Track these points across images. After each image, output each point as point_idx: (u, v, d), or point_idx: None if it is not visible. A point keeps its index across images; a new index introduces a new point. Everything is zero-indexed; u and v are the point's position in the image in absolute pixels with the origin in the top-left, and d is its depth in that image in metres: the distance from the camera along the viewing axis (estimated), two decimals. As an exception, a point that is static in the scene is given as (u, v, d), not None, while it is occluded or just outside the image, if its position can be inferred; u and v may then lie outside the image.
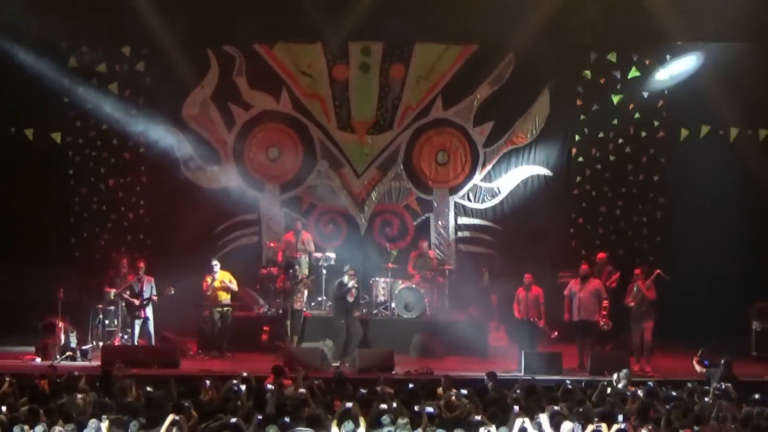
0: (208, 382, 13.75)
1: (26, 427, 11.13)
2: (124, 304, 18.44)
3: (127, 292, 18.33)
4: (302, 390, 13.26)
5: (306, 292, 19.12)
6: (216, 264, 19.12)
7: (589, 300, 17.74)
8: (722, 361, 15.59)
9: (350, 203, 21.72)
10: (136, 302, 18.26)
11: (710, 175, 20.56)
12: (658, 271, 17.91)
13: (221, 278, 18.99)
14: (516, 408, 11.86)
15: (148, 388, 13.50)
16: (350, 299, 18.33)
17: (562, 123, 21.41)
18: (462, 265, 20.58)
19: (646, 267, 18.25)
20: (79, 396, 12.89)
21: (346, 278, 18.42)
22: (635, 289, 17.74)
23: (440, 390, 13.81)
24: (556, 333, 18.92)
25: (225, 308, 18.89)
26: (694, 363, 16.33)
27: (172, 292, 18.41)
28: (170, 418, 11.47)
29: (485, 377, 14.83)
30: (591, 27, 20.55)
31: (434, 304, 19.89)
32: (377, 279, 20.09)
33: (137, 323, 18.35)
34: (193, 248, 20.59)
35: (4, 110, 20.76)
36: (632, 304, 17.72)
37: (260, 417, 11.65)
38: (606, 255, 19.45)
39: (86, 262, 20.75)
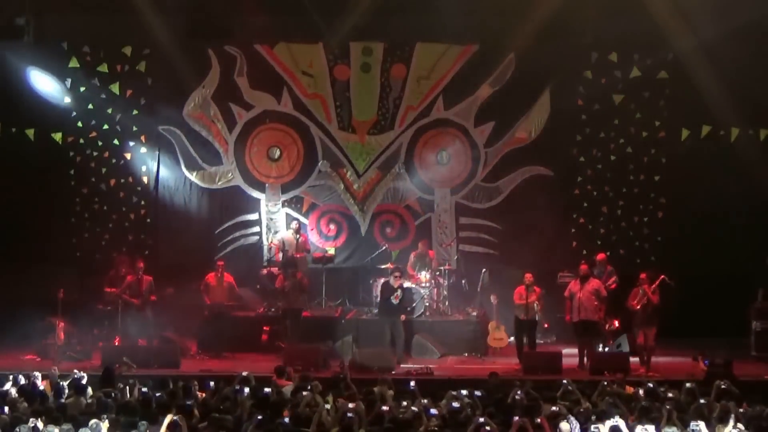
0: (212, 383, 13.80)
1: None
2: (123, 303, 18.41)
3: (127, 292, 18.31)
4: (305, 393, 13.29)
5: (305, 291, 19.11)
6: (222, 264, 19.13)
7: (589, 300, 17.71)
8: (723, 362, 15.64)
9: (351, 203, 21.72)
10: (136, 302, 18.24)
11: (711, 175, 20.51)
12: (663, 276, 17.86)
13: (225, 279, 19.01)
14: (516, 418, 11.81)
15: (144, 389, 13.52)
16: (395, 301, 18.24)
17: (563, 123, 21.36)
18: (462, 265, 20.57)
19: (651, 271, 18.19)
20: (81, 396, 12.93)
21: (391, 279, 18.36)
22: (641, 292, 17.69)
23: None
24: (554, 338, 18.96)
25: (226, 308, 18.89)
26: (699, 363, 16.41)
27: (171, 291, 18.41)
28: (168, 418, 11.48)
29: (488, 377, 14.86)
30: (591, 27, 20.57)
31: (434, 304, 19.87)
32: (377, 279, 20.07)
33: (137, 323, 18.31)
34: (193, 248, 20.57)
35: (4, 110, 20.78)
36: (638, 307, 17.67)
37: (260, 417, 11.66)
38: (606, 255, 19.44)
39: (86, 262, 20.77)
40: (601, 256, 19.34)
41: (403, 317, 18.45)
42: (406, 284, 19.44)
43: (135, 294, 18.27)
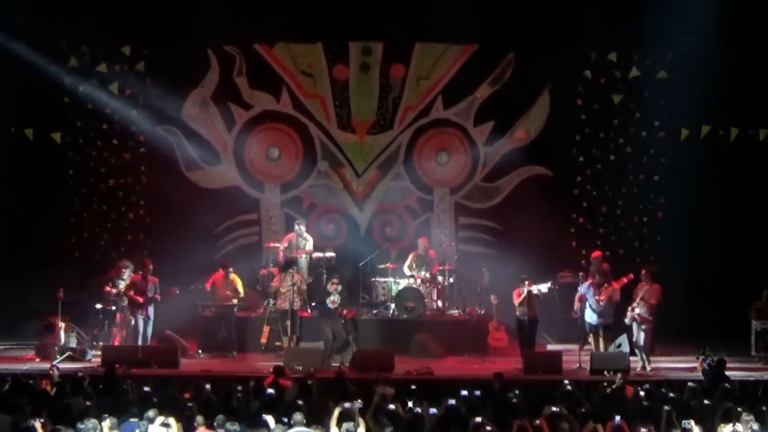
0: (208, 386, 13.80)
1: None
2: (126, 302, 18.36)
3: (131, 291, 18.27)
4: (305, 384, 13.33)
5: (304, 293, 19.09)
6: (230, 269, 19.09)
7: (607, 306, 17.61)
8: (715, 362, 15.68)
9: (350, 203, 21.73)
10: (140, 300, 18.15)
11: (711, 175, 20.55)
12: (631, 276, 17.77)
13: (232, 281, 18.99)
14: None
15: (146, 388, 13.52)
16: (331, 305, 18.39)
17: (562, 123, 21.37)
18: (462, 265, 20.55)
19: (651, 267, 18.08)
20: (81, 396, 12.93)
21: (329, 286, 18.51)
22: (643, 290, 17.67)
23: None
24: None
25: (228, 308, 18.85)
26: (698, 364, 16.45)
27: (177, 292, 18.40)
28: (160, 419, 11.49)
29: (492, 378, 14.84)
30: (591, 27, 20.57)
31: (434, 304, 19.87)
32: (377, 279, 20.07)
33: (140, 322, 18.24)
34: (193, 248, 20.55)
35: (4, 110, 20.75)
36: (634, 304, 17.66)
37: (259, 417, 11.67)
38: (601, 254, 19.31)
39: (86, 262, 20.74)
40: (596, 254, 19.23)
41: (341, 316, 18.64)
42: (403, 284, 19.51)
43: (139, 293, 18.21)
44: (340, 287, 18.53)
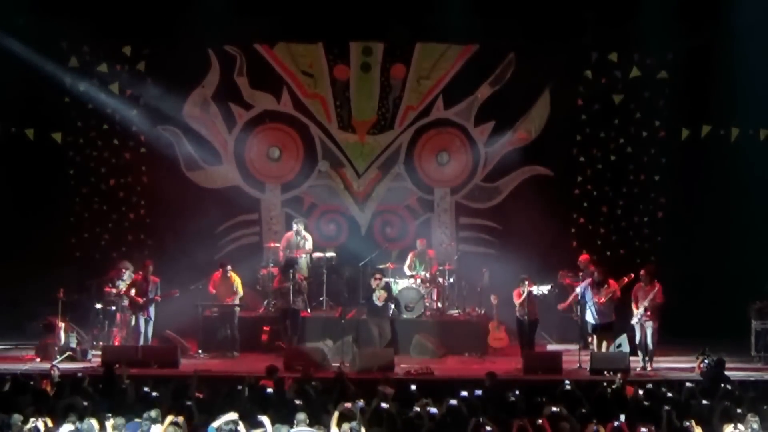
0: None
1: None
2: (127, 302, 18.37)
3: (133, 291, 18.27)
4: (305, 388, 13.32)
5: (304, 292, 19.09)
6: (228, 267, 19.08)
7: (608, 306, 17.57)
8: (714, 362, 15.69)
9: (351, 203, 21.73)
10: (140, 301, 18.16)
11: (711, 175, 20.55)
12: (632, 275, 17.71)
13: (230, 279, 18.97)
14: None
15: (146, 389, 13.52)
16: (378, 303, 18.44)
17: (563, 123, 21.37)
18: (462, 265, 20.54)
19: (652, 267, 18.02)
20: (80, 396, 12.94)
21: (372, 282, 18.63)
22: (642, 289, 17.62)
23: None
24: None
25: (230, 308, 18.84)
26: (697, 364, 16.46)
27: (177, 294, 18.40)
28: (169, 418, 11.50)
29: (485, 377, 14.84)
30: (591, 27, 20.58)
31: (434, 304, 19.87)
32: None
33: (141, 322, 18.25)
34: (193, 248, 20.57)
35: (4, 110, 20.76)
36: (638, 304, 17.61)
37: (259, 417, 11.67)
38: (588, 257, 19.12)
39: (86, 262, 20.75)
40: (583, 257, 19.05)
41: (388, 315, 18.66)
42: (403, 284, 19.49)
43: (140, 293, 18.22)
44: (383, 281, 18.58)
